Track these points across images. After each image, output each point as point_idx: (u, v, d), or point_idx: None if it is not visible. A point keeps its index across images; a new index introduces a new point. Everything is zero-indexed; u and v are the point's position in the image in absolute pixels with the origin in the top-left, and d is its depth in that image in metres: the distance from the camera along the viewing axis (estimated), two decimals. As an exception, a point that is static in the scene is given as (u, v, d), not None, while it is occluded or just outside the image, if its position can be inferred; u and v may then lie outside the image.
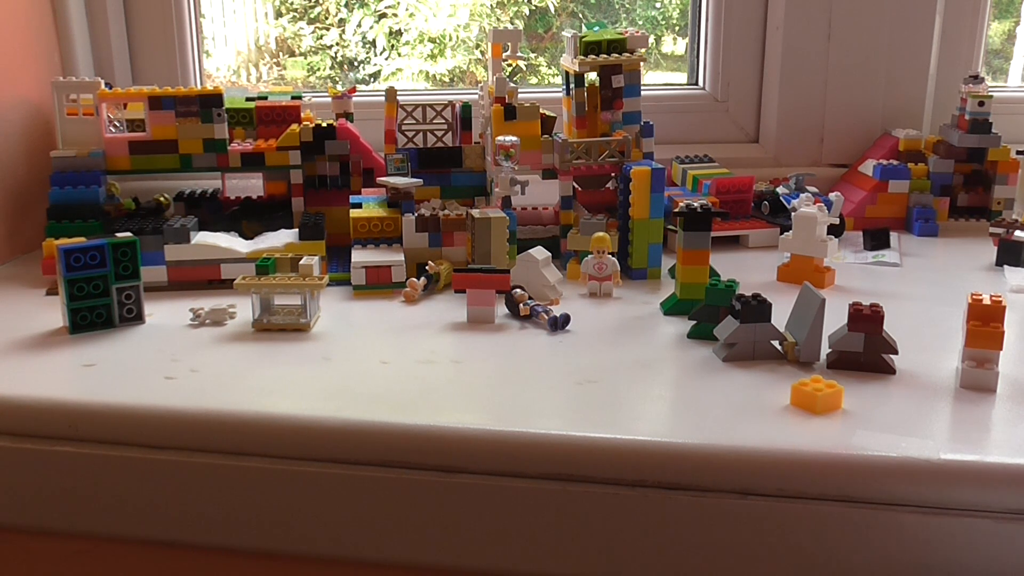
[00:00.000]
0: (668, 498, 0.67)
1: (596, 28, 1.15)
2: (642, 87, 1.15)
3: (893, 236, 1.20)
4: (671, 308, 0.95)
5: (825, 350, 0.82)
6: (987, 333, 0.76)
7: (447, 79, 1.75)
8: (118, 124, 1.18)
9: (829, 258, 1.06)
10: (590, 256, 1.01)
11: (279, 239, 1.07)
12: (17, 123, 1.19)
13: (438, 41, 1.74)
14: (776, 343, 0.83)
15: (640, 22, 1.69)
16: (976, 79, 1.26)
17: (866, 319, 0.79)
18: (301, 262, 0.94)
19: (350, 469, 0.71)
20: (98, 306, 0.91)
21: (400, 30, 1.73)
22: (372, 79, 1.74)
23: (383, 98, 1.19)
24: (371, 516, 0.71)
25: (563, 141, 1.11)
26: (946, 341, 0.86)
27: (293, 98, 1.25)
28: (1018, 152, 1.26)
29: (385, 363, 0.84)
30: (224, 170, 1.18)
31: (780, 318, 0.84)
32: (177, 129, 1.14)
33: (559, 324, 0.91)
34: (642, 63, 1.14)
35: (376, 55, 1.73)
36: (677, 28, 1.69)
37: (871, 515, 0.65)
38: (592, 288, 1.02)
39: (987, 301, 0.76)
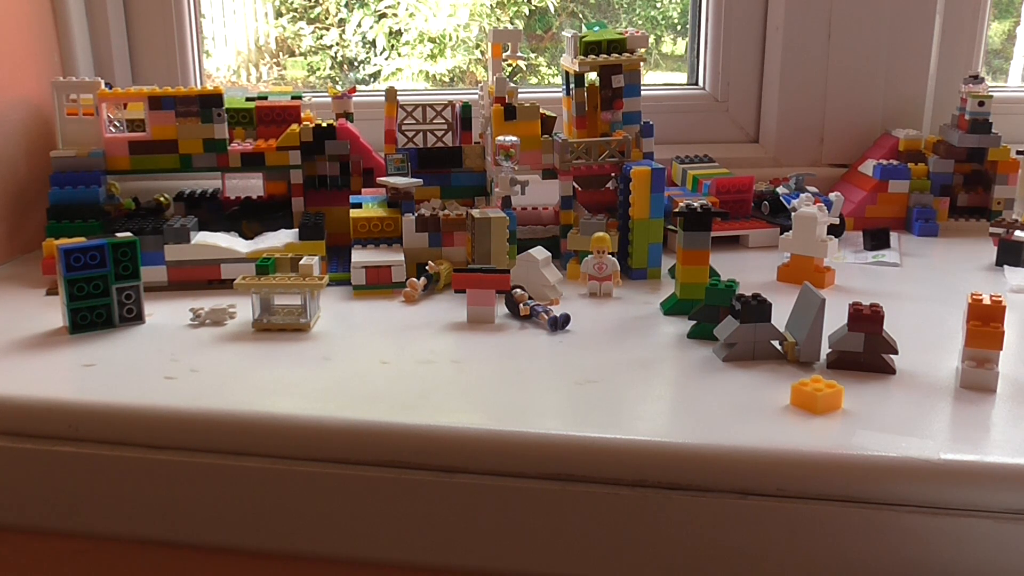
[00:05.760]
0: (668, 498, 0.67)
1: (596, 28, 1.15)
2: (642, 87, 1.15)
3: (893, 236, 1.20)
4: (671, 308, 0.95)
5: (825, 350, 0.82)
6: (987, 333, 0.76)
7: (447, 79, 1.75)
8: (118, 124, 1.18)
9: (829, 258, 1.05)
10: (590, 256, 1.01)
11: (279, 239, 1.07)
12: (17, 123, 1.19)
13: (438, 41, 1.74)
14: (776, 343, 0.83)
15: (640, 22, 1.69)
16: (976, 79, 1.26)
17: (866, 319, 0.79)
18: (301, 262, 0.94)
19: (350, 469, 0.71)
20: (98, 306, 0.91)
21: (400, 30, 1.73)
22: (372, 79, 1.74)
23: (383, 98, 1.19)
24: (371, 516, 0.71)
25: (563, 141, 1.11)
26: (946, 341, 0.86)
27: (293, 98, 1.25)
28: (1018, 152, 1.26)
29: (385, 363, 0.83)
30: (224, 170, 1.18)
31: (780, 318, 0.84)
32: (177, 129, 1.14)
33: (559, 324, 0.91)
34: (642, 63, 1.14)
35: (376, 55, 1.73)
36: (677, 28, 1.69)
37: (871, 515, 0.65)
38: (592, 288, 1.02)
39: (987, 301, 0.76)
